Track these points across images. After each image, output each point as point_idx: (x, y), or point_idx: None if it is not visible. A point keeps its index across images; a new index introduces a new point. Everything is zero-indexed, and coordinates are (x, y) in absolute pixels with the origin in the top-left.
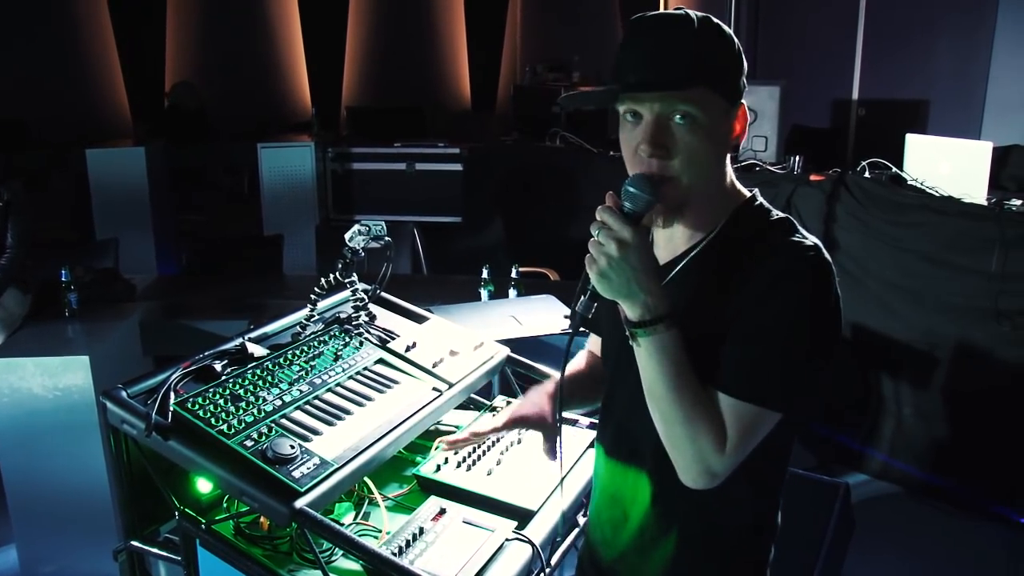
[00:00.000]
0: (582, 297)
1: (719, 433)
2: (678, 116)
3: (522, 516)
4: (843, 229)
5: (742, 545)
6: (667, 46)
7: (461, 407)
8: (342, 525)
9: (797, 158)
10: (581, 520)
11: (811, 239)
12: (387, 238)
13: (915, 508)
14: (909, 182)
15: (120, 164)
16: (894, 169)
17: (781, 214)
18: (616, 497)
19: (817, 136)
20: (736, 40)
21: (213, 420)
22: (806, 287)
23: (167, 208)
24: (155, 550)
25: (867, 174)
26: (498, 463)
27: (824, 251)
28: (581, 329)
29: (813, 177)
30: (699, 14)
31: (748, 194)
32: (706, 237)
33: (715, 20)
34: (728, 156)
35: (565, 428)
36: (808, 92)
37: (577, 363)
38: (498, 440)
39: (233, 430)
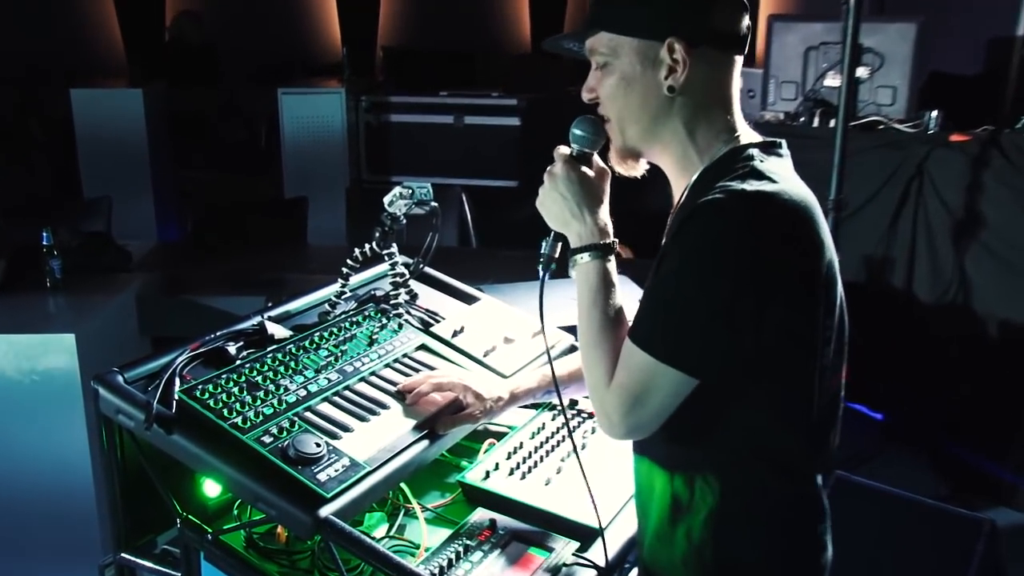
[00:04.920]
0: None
1: (611, 368)
2: (595, 61)
3: (585, 535)
4: (991, 202)
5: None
6: None
7: None
8: (373, 539)
9: (934, 114)
10: None
11: (745, 186)
12: (433, 203)
13: None
14: None
15: (112, 108)
16: None
17: (757, 165)
18: (639, 490)
19: (963, 85)
20: None
21: (225, 411)
22: (696, 235)
23: (169, 163)
24: (150, 564)
25: None
26: (558, 472)
27: (755, 198)
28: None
29: (954, 137)
30: None
31: (744, 143)
32: (685, 189)
33: None
34: (680, 102)
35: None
36: (954, 29)
37: (572, 363)
38: (558, 445)
39: (249, 424)
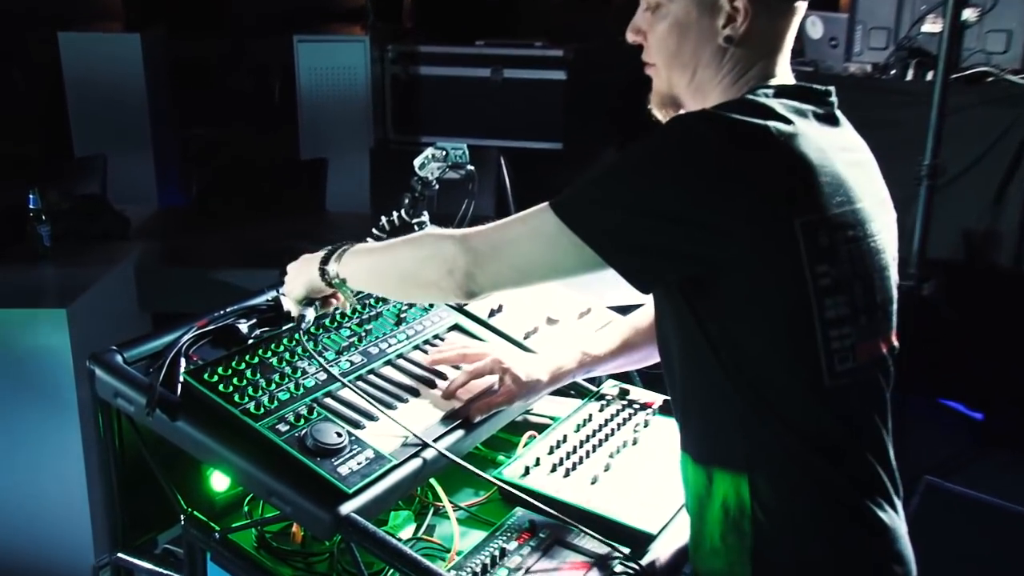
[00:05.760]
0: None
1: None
2: (646, 1)
3: (637, 541)
4: None
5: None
6: None
7: (559, 392)
8: (400, 540)
9: None
10: None
11: (720, 109)
12: (469, 166)
13: None
14: None
15: (106, 56)
16: None
17: (751, 96)
18: (685, 491)
19: None
20: None
21: (236, 396)
22: (650, 137)
23: (171, 118)
24: (150, 565)
25: None
26: (606, 468)
27: (720, 119)
28: None
29: None
30: None
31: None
32: None
33: None
34: (733, 53)
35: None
36: None
37: (612, 338)
38: (606, 439)
39: (262, 410)
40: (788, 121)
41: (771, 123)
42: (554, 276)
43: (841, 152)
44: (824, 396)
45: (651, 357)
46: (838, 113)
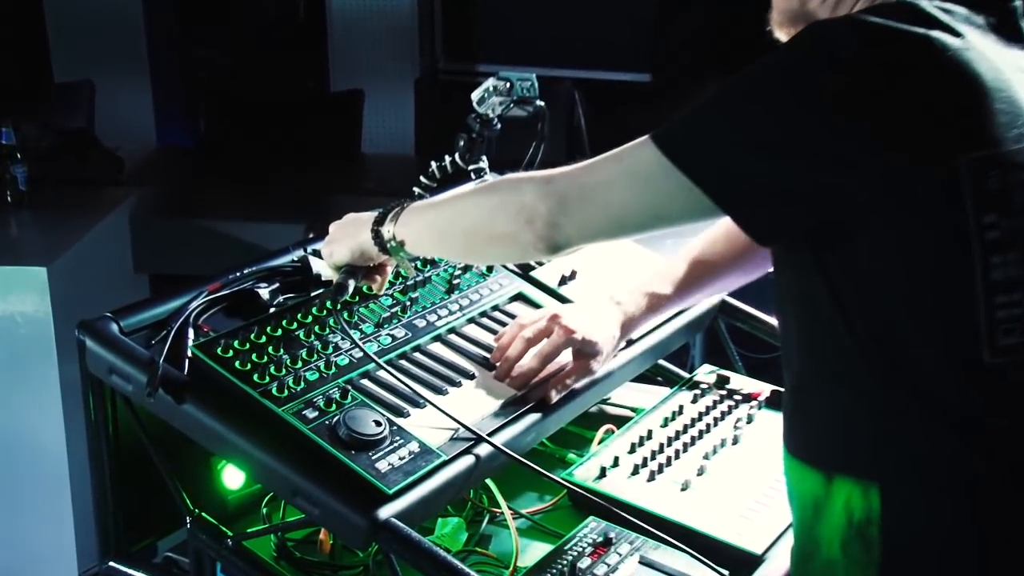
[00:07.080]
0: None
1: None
2: None
3: (738, 562)
4: None
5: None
6: None
7: (643, 379)
8: (448, 551)
9: None
10: None
11: (870, 16)
12: (539, 102)
13: None
14: None
15: None
16: None
17: (908, 2)
18: (791, 502)
19: None
20: None
21: (255, 375)
22: (775, 51)
23: (173, 37)
24: None
25: None
26: (699, 472)
27: (872, 28)
28: None
29: None
30: None
31: None
32: None
33: None
34: None
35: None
36: None
37: (676, 271)
38: (700, 436)
39: (286, 392)
40: (955, 32)
41: (933, 33)
42: (656, 225)
43: (1022, 74)
44: (982, 376)
45: (733, 283)
46: (1023, 24)
